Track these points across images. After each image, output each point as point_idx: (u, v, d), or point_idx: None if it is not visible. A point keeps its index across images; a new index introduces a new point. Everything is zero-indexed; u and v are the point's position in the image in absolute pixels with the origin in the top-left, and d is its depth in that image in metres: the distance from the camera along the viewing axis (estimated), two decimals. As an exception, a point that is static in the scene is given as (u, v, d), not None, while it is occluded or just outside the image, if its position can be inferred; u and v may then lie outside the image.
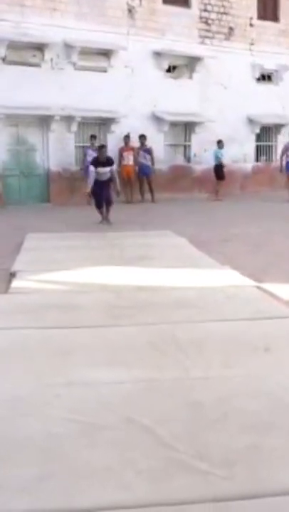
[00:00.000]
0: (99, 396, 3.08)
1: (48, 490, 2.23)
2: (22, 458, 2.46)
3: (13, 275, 6.22)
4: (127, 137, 15.78)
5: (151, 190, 15.91)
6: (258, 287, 5.50)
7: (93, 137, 15.34)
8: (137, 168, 15.83)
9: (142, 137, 16.01)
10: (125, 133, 15.83)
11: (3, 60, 14.82)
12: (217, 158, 16.88)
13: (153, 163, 16.10)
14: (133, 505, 2.15)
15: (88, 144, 15.31)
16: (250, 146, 19.26)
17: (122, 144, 15.90)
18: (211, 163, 17.38)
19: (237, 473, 2.37)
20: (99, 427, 2.74)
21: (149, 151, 15.99)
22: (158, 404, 3.00)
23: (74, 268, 6.42)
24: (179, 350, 3.79)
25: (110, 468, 2.38)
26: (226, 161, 16.98)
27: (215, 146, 17.16)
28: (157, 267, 6.51)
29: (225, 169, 16.89)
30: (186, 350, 3.79)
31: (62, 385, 3.24)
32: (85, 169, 14.05)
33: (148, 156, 15.89)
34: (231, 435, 2.67)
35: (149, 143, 16.26)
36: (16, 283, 5.85)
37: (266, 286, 5.54)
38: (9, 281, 5.99)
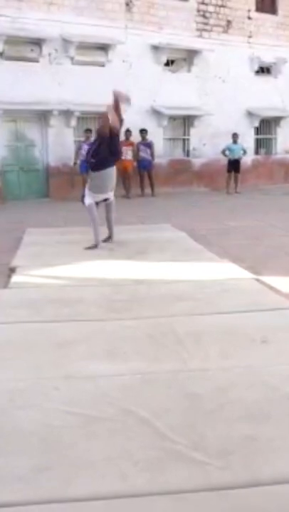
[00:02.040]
0: (97, 388, 3.11)
1: (46, 480, 2.26)
2: (21, 449, 2.49)
3: (12, 270, 6.24)
4: (128, 132, 15.77)
5: (151, 184, 15.94)
6: (257, 280, 5.52)
7: (88, 131, 15.27)
8: (135, 162, 15.83)
9: (143, 131, 16.02)
10: (124, 127, 15.81)
11: (1, 55, 14.80)
12: (231, 152, 17.01)
13: (153, 158, 16.12)
14: (131, 494, 2.18)
15: (83, 139, 15.22)
16: (249, 139, 19.22)
17: (121, 139, 15.88)
18: (210, 157, 17.44)
19: (233, 462, 2.39)
20: (97, 418, 2.77)
21: (149, 145, 16.00)
22: (156, 395, 3.02)
23: (73, 262, 6.44)
24: (177, 342, 3.82)
25: (108, 458, 2.41)
26: (237, 155, 17.11)
27: (216, 140, 17.28)
28: (156, 260, 6.53)
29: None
30: (184, 342, 3.81)
31: (61, 377, 3.27)
32: (81, 164, 14.08)
33: (149, 151, 15.90)
34: (228, 426, 2.69)
35: (148, 137, 16.26)
36: (15, 278, 5.87)
37: (265, 278, 5.56)
38: (9, 276, 6.01)
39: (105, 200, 7.79)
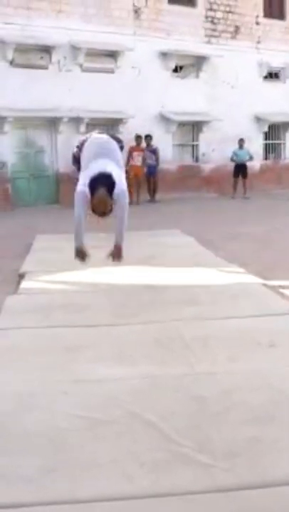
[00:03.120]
0: (105, 392, 3.15)
1: (53, 481, 2.29)
2: (29, 450, 2.53)
3: (22, 276, 6.30)
4: (138, 137, 15.82)
5: (154, 190, 16.01)
6: (265, 285, 5.55)
7: None
8: (145, 168, 15.91)
9: (148, 137, 16.11)
10: (133, 133, 15.89)
11: (11, 63, 14.94)
12: (237, 157, 17.08)
13: (158, 163, 16.18)
14: (136, 495, 2.21)
15: None
16: (258, 145, 19.27)
17: (132, 144, 15.93)
18: (219, 162, 17.51)
19: (239, 464, 2.42)
20: (104, 421, 2.80)
21: (154, 151, 16.07)
22: (162, 399, 3.05)
23: (82, 269, 6.47)
24: (184, 346, 3.85)
25: (114, 460, 2.44)
26: (242, 161, 17.16)
27: (224, 145, 17.35)
28: (165, 265, 6.57)
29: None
30: (192, 346, 3.85)
31: (69, 381, 3.31)
32: None
33: (153, 156, 15.98)
34: (234, 428, 2.72)
35: (157, 143, 16.33)
36: (24, 284, 5.92)
37: (272, 283, 5.58)
38: (18, 282, 6.07)
39: None
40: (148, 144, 16.08)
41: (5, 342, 4.06)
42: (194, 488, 2.26)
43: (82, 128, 15.80)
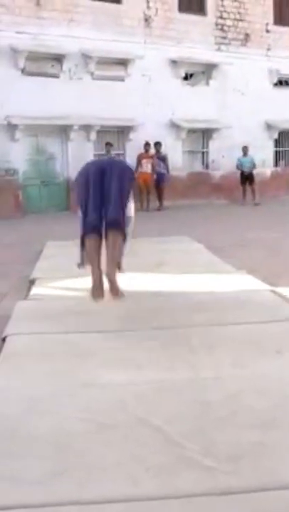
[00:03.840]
0: (112, 396, 3.19)
1: (61, 483, 2.34)
2: (38, 453, 2.57)
3: (32, 282, 6.37)
4: (147, 145, 15.91)
5: (160, 198, 16.05)
6: (273, 291, 5.57)
7: (109, 144, 15.39)
8: (155, 176, 15.98)
9: (158, 144, 16.18)
10: (143, 141, 15.98)
11: (22, 71, 15.09)
12: (241, 165, 17.13)
13: (168, 171, 16.23)
14: (141, 497, 2.25)
15: (104, 152, 15.39)
16: (268, 152, 19.31)
17: (141, 151, 16.02)
18: (229, 169, 17.58)
19: (243, 468, 2.45)
20: (111, 425, 2.84)
21: (163, 159, 16.13)
22: (168, 403, 3.09)
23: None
24: (191, 352, 3.89)
25: (120, 463, 2.48)
26: (247, 168, 17.18)
27: (234, 153, 17.39)
28: (174, 272, 6.61)
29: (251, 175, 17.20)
30: (199, 352, 3.88)
31: (77, 386, 3.35)
32: None
33: (162, 164, 16.05)
34: (238, 432, 2.75)
35: (167, 150, 16.41)
36: (35, 290, 5.99)
37: (281, 290, 5.60)
38: (29, 288, 6.14)
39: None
40: (157, 151, 16.15)
41: (14, 347, 4.11)
42: (198, 491, 2.30)
43: (93, 135, 15.93)
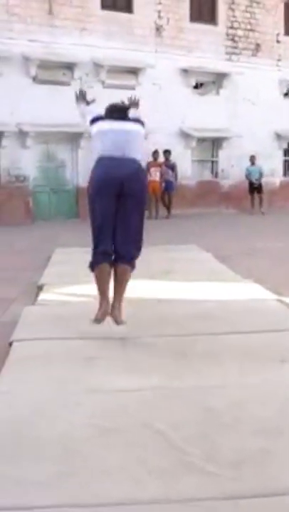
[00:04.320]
0: (117, 402, 3.23)
1: (66, 486, 2.38)
2: (44, 457, 2.62)
3: (40, 288, 6.42)
4: (156, 153, 15.98)
5: (169, 206, 16.10)
6: (279, 300, 5.60)
7: (168, 152, 15.46)
8: (164, 184, 16.05)
9: (167, 152, 16.25)
10: (153, 149, 16.04)
11: (34, 79, 15.23)
12: (250, 174, 17.20)
13: (176, 179, 16.28)
14: (144, 500, 2.29)
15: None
16: (278, 161, 19.35)
17: (150, 159, 16.08)
18: (238, 178, 17.63)
19: (245, 473, 2.48)
20: (115, 430, 2.89)
21: (172, 167, 16.19)
22: (173, 410, 3.13)
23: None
24: (196, 360, 3.93)
25: (124, 467, 2.52)
26: (255, 178, 17.24)
27: (244, 162, 17.45)
28: (181, 280, 6.64)
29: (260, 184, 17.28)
30: (204, 360, 3.92)
31: (83, 391, 3.40)
32: None
33: (170, 172, 16.11)
34: (241, 439, 2.79)
35: (176, 159, 16.49)
36: (42, 295, 6.05)
37: (287, 299, 5.63)
38: (37, 294, 6.20)
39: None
40: (166, 159, 16.22)
41: (21, 352, 4.16)
42: (200, 495, 2.33)
43: (103, 143, 15.98)
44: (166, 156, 16.23)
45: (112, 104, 4.91)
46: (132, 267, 4.60)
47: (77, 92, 5.31)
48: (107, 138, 4.56)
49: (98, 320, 4.45)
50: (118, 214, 4.48)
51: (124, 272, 4.56)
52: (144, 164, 5.05)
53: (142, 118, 4.94)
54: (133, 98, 5.22)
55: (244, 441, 2.77)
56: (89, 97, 5.29)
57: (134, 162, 4.53)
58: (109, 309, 4.50)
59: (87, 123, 4.88)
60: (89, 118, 4.88)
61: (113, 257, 4.55)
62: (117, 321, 4.51)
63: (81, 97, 5.25)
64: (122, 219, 4.48)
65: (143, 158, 4.87)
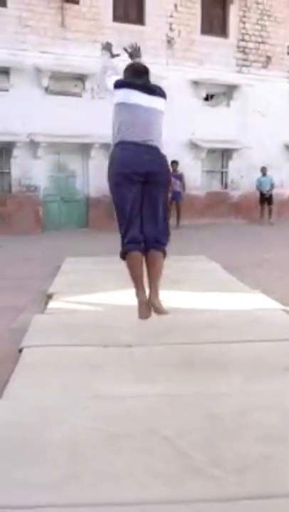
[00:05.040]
0: (124, 408, 3.29)
1: (73, 489, 2.44)
2: (51, 460, 2.68)
3: (50, 297, 6.50)
4: (174, 163, 15.81)
5: (178, 216, 16.15)
6: (285, 310, 5.64)
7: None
8: (170, 194, 16.12)
9: (174, 163, 16.30)
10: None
11: (46, 90, 15.39)
12: (261, 185, 17.29)
13: (184, 189, 16.33)
14: (150, 502, 2.35)
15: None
16: (287, 172, 19.38)
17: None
18: (247, 189, 17.71)
19: (249, 478, 2.54)
20: (122, 435, 2.94)
21: (180, 177, 16.25)
22: (179, 416, 3.18)
23: (108, 291, 6.65)
24: (203, 368, 3.98)
25: (130, 471, 2.58)
26: (266, 189, 17.32)
27: (254, 173, 17.53)
28: (189, 290, 6.70)
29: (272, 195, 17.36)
30: (210, 368, 3.97)
31: (90, 397, 3.46)
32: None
33: (178, 182, 16.17)
34: (246, 445, 2.83)
35: (186, 169, 16.58)
36: (52, 304, 6.12)
37: (294, 309, 5.68)
38: (46, 302, 6.27)
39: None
40: (174, 170, 16.31)
41: (31, 358, 4.23)
42: (205, 498, 2.39)
43: (114, 154, 16.11)
44: (173, 166, 16.31)
45: (135, 65, 4.64)
46: (164, 253, 4.45)
47: (104, 44, 5.27)
48: (133, 115, 4.33)
49: (144, 316, 4.34)
50: (143, 201, 4.34)
51: (158, 259, 4.41)
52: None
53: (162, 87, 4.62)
54: (134, 45, 4.95)
55: (248, 447, 2.82)
56: (114, 52, 5.10)
57: (157, 151, 4.39)
58: (146, 299, 4.37)
59: (108, 84, 4.57)
60: (111, 80, 4.56)
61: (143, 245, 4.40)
62: (160, 311, 4.38)
63: (107, 47, 5.15)
64: (148, 206, 4.36)
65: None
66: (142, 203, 4.36)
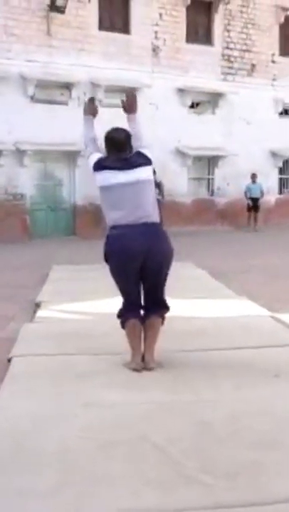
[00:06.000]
0: (115, 416, 3.31)
1: (66, 496, 2.45)
2: (43, 468, 2.69)
3: (38, 305, 6.51)
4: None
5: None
6: (273, 317, 5.69)
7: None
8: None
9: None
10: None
11: (32, 98, 15.41)
12: (250, 192, 17.39)
13: (163, 197, 16.27)
14: (142, 509, 2.37)
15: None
16: (273, 179, 19.52)
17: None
18: (233, 196, 17.82)
19: (240, 484, 2.56)
20: (114, 443, 2.96)
21: (158, 185, 16.18)
22: (170, 423, 3.21)
23: (96, 299, 6.66)
24: (193, 375, 4.01)
25: (123, 478, 2.60)
26: (255, 196, 17.43)
27: (240, 180, 17.64)
28: (176, 297, 6.68)
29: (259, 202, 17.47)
30: (200, 375, 4.00)
31: (81, 405, 3.47)
32: None
33: (157, 190, 16.11)
34: (236, 451, 2.86)
35: (173, 177, 16.64)
36: (40, 313, 6.13)
37: (281, 316, 5.72)
38: (35, 311, 6.28)
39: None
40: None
41: (20, 368, 4.24)
42: (195, 505, 2.41)
43: (100, 162, 16.13)
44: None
45: (114, 138, 4.39)
46: (164, 319, 4.40)
47: (86, 101, 4.89)
48: (118, 196, 4.18)
49: (137, 370, 4.16)
50: (145, 271, 4.20)
51: (156, 323, 4.34)
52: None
53: (145, 148, 4.41)
54: (130, 96, 4.61)
55: (239, 453, 2.85)
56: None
57: (156, 228, 4.26)
58: (141, 364, 4.21)
59: (90, 163, 4.39)
60: (91, 162, 4.38)
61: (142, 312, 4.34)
62: (147, 367, 4.19)
63: (91, 102, 4.83)
64: (150, 276, 4.24)
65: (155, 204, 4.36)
66: (142, 275, 4.24)
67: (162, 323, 4.37)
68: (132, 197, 4.18)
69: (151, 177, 4.41)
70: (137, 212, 4.17)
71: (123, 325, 4.32)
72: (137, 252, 4.11)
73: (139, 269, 4.18)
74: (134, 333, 4.26)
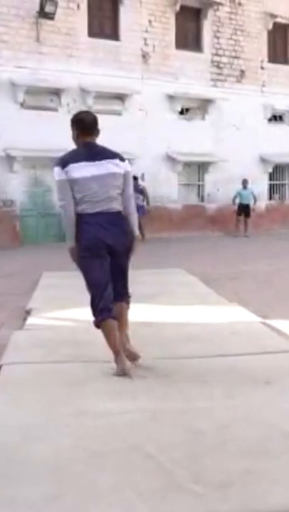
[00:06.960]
0: (106, 425, 3.28)
1: (57, 508, 2.42)
2: (33, 479, 2.66)
3: (28, 312, 6.47)
4: (135, 179, 15.98)
5: (141, 230, 16.06)
6: (263, 323, 5.69)
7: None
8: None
9: (135, 179, 16.28)
10: (139, 173, 16.17)
11: (22, 105, 15.39)
12: (240, 197, 17.43)
13: (148, 203, 16.22)
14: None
15: None
16: (263, 185, 19.58)
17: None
18: (224, 202, 17.84)
19: (232, 494, 2.54)
20: (105, 452, 2.93)
21: (141, 191, 16.15)
22: (161, 432, 3.18)
23: (86, 306, 6.60)
24: (183, 382, 3.99)
25: (114, 488, 2.57)
26: (246, 200, 17.47)
27: (230, 186, 17.67)
28: (167, 304, 6.72)
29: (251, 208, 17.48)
30: (191, 382, 3.98)
31: (71, 414, 3.44)
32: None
33: (141, 197, 16.05)
34: (228, 460, 2.84)
35: (163, 183, 16.66)
36: (30, 320, 6.09)
37: (271, 322, 5.72)
38: (25, 318, 6.24)
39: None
40: (135, 185, 16.26)
41: (11, 376, 4.21)
42: (188, 515, 2.39)
43: (90, 168, 16.13)
44: (134, 182, 16.31)
45: (82, 115, 4.58)
46: (128, 304, 4.58)
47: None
48: (88, 188, 4.29)
49: (125, 372, 4.17)
50: (111, 262, 4.34)
51: (125, 309, 4.53)
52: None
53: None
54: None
55: (231, 462, 2.83)
56: None
57: (120, 218, 4.39)
58: (126, 367, 4.24)
59: (56, 176, 4.48)
60: (56, 170, 4.50)
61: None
62: (134, 356, 4.38)
63: None
64: (115, 266, 4.37)
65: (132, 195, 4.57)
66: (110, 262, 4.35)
67: (128, 307, 4.57)
68: (104, 188, 4.31)
69: (120, 170, 4.49)
70: (103, 203, 4.29)
71: (98, 325, 4.33)
72: (106, 242, 4.25)
73: (107, 262, 4.31)
74: (111, 331, 4.27)
